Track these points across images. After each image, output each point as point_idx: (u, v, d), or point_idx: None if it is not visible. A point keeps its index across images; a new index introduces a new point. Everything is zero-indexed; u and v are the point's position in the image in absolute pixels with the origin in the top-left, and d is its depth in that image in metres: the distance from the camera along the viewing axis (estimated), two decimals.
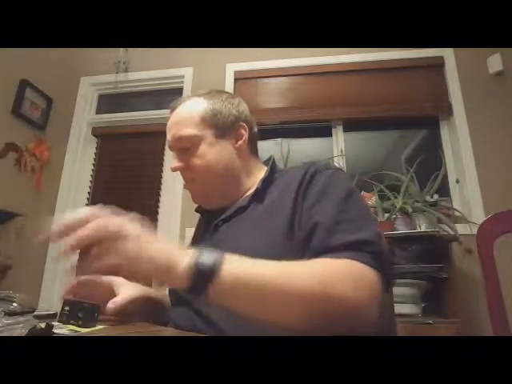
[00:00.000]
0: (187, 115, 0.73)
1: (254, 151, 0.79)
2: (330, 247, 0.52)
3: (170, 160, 0.77)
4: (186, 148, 0.71)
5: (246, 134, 0.75)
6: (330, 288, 0.45)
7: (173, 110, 0.76)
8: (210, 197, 0.74)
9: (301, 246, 0.56)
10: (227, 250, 0.62)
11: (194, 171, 0.72)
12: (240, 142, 0.74)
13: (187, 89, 2.43)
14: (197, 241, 0.81)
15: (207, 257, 0.44)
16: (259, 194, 0.69)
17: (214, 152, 0.72)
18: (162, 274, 0.43)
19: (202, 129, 0.71)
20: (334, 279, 0.46)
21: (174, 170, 0.73)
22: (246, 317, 0.43)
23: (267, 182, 0.71)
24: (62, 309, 0.50)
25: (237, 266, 0.45)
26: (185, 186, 0.76)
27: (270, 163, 0.75)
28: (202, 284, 0.41)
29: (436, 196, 1.93)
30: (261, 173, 0.75)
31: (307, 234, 0.56)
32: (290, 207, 0.61)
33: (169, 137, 0.74)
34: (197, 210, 0.83)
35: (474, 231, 0.91)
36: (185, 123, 0.72)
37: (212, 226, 0.72)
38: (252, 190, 0.71)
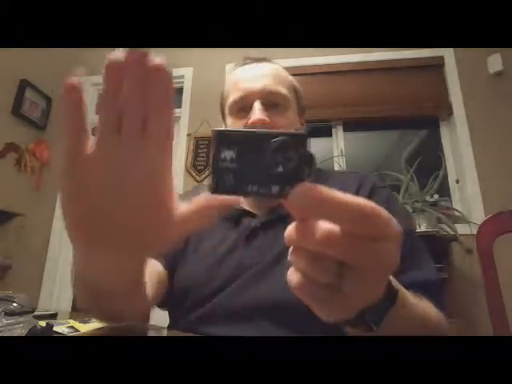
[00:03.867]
0: (283, 76, 0.66)
1: None
2: (403, 285, 0.51)
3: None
4: (275, 104, 0.63)
5: (304, 125, 0.72)
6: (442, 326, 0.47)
7: (248, 61, 0.69)
8: None
9: None
10: (269, 262, 0.56)
11: None
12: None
13: (187, 89, 2.44)
14: (213, 238, 0.65)
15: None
16: None
17: (297, 125, 0.66)
18: (382, 277, 0.26)
19: (292, 97, 0.66)
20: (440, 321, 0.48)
21: (259, 122, 0.60)
22: None
23: None
24: None
25: (404, 292, 0.37)
26: None
27: (314, 163, 0.70)
28: (391, 301, 0.32)
29: (436, 196, 1.93)
30: None
31: None
32: None
33: (256, 85, 0.63)
34: None
35: (474, 231, 0.91)
36: (280, 82, 0.65)
37: (243, 226, 0.62)
38: None
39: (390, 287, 0.31)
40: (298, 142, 0.21)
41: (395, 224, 0.23)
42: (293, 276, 0.24)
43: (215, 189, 0.22)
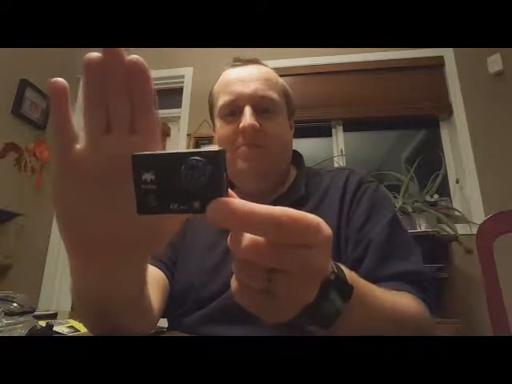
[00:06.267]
0: (273, 80, 0.66)
1: None
2: (385, 276, 0.51)
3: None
4: (265, 109, 0.62)
5: (293, 127, 0.72)
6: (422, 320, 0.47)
7: (238, 63, 0.68)
8: (271, 170, 0.64)
9: (350, 265, 0.53)
10: None
11: (267, 136, 0.61)
12: (292, 131, 0.71)
13: (187, 89, 2.44)
14: (208, 240, 0.64)
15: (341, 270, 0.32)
16: (301, 199, 0.62)
17: (287, 128, 0.67)
18: (312, 281, 0.26)
19: (283, 102, 0.66)
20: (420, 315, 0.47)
21: (250, 127, 0.59)
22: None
23: (306, 186, 0.64)
24: None
25: (363, 283, 0.36)
26: (243, 155, 0.61)
27: (303, 163, 0.71)
28: (345, 298, 0.31)
29: (436, 196, 1.93)
30: (289, 171, 0.70)
31: (360, 254, 0.54)
32: (336, 220, 0.58)
33: (247, 89, 0.62)
34: None
35: (474, 231, 0.91)
36: (271, 86, 0.64)
37: None
38: (285, 190, 0.65)
39: (343, 284, 0.30)
40: (212, 158, 0.22)
41: (323, 229, 0.24)
42: (232, 283, 0.25)
43: (139, 210, 0.23)
